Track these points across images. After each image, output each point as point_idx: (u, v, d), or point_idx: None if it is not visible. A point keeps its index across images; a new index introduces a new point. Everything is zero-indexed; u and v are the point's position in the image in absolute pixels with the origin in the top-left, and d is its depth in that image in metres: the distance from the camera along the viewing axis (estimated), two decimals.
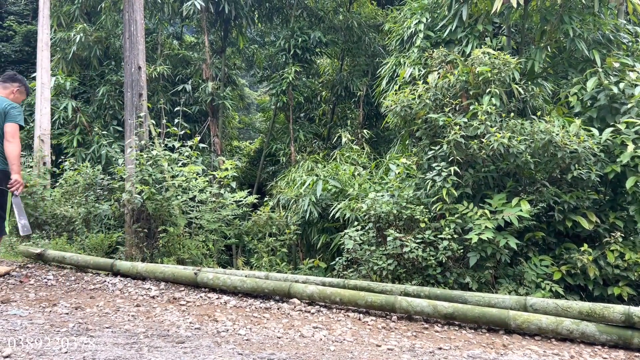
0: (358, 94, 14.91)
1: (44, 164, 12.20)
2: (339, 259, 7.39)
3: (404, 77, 8.81)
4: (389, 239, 6.64)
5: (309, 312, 4.32)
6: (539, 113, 7.09)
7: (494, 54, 7.12)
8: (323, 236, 9.36)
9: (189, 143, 8.00)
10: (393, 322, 4.11)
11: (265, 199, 10.08)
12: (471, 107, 6.88)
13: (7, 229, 5.14)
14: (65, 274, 5.49)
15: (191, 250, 7.81)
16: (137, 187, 7.46)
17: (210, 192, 8.00)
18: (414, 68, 8.48)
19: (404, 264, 6.65)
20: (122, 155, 10.13)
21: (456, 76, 7.26)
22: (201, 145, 8.61)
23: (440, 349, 3.44)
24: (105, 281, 5.23)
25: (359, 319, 4.18)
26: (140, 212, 7.76)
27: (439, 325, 4.04)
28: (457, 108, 7.18)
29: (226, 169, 8.28)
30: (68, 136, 14.99)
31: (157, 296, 4.74)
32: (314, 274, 8.51)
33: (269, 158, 16.99)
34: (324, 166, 12.42)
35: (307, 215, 9.13)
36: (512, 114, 6.85)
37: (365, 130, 13.49)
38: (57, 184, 10.55)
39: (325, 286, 4.71)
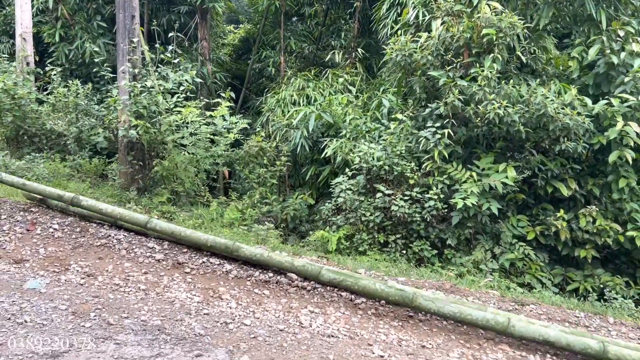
0: (355, 4, 14.29)
1: (27, 64, 11.83)
2: (328, 203, 7.73)
3: (406, 18, 8.55)
4: (378, 194, 6.95)
5: (305, 289, 4.71)
6: (537, 80, 7.11)
7: (501, 12, 6.96)
8: (312, 168, 9.61)
9: (186, 77, 7.86)
10: (382, 306, 4.54)
11: (257, 129, 10.11)
12: (472, 70, 6.87)
13: None
14: (70, 223, 5.72)
15: (185, 183, 8.03)
16: (131, 121, 7.46)
17: (207, 132, 8.05)
18: (418, 10, 8.22)
19: (390, 217, 7.04)
20: (104, 54, 9.84)
21: (460, 32, 7.13)
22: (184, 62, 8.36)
23: (423, 347, 3.90)
24: (109, 235, 5.49)
25: (351, 300, 4.59)
26: (134, 143, 7.83)
27: (422, 314, 4.48)
28: (459, 66, 7.14)
29: (222, 116, 8.28)
30: (49, 28, 14.29)
31: (162, 260, 5.05)
32: (302, 208, 8.88)
33: (258, 64, 16.56)
34: (316, 85, 12.32)
35: (299, 148, 9.29)
36: (511, 80, 6.88)
37: (359, 50, 13.17)
38: (46, 93, 10.35)
39: (322, 264, 5.09)
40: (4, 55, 11.43)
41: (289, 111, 12.03)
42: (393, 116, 7.74)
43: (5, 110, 9.21)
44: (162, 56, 8.24)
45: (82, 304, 3.93)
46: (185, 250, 5.34)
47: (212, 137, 8.35)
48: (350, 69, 13.00)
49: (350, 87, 11.08)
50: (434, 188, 6.88)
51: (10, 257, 4.81)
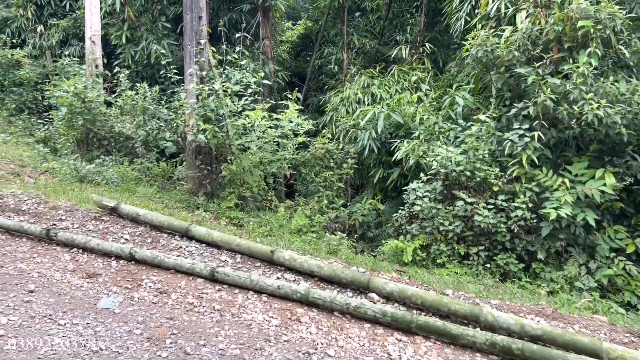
0: None
1: (96, 66, 12.03)
2: (401, 210, 7.28)
3: (486, 10, 7.93)
4: (459, 202, 6.44)
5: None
6: None
7: (597, 1, 6.28)
8: (380, 170, 9.17)
9: (253, 79, 7.61)
10: None
11: (324, 130, 9.76)
12: (566, 67, 6.23)
13: None
14: (141, 233, 5.58)
15: (252, 187, 7.80)
16: (200, 125, 7.28)
17: (274, 136, 7.79)
18: (500, 2, 7.58)
19: (472, 227, 6.52)
20: (169, 55, 9.65)
21: (550, 24, 6.49)
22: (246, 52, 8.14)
23: None
24: (181, 247, 5.31)
25: None
26: (201, 147, 7.66)
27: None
28: (549, 62, 6.51)
29: (290, 121, 8.00)
30: (116, 30, 14.54)
31: None
32: (370, 214, 8.48)
33: (318, 61, 16.22)
34: (381, 83, 11.85)
35: (367, 150, 8.87)
36: (610, 77, 6.18)
37: (427, 45, 12.55)
38: (114, 95, 10.43)
39: (406, 284, 4.67)
40: (75, 59, 11.65)
41: (353, 110, 11.63)
42: (475, 117, 7.17)
43: (76, 114, 9.30)
44: (228, 57, 8.03)
45: (157, 327, 3.71)
46: (258, 264, 5.06)
47: (279, 139, 8.09)
48: (418, 65, 12.43)
49: (421, 85, 10.52)
50: (521, 196, 6.30)
51: (83, 270, 4.69)
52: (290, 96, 8.69)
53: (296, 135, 8.65)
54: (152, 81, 14.30)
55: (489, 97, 9.06)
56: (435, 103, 9.71)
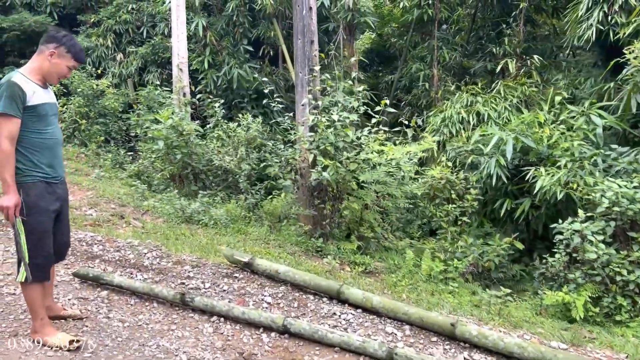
0: (521, 5, 12.54)
1: (184, 94, 11.64)
2: (557, 253, 6.24)
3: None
4: None
5: None
6: None
7: None
8: (507, 201, 8.14)
9: (376, 107, 6.85)
10: None
11: (442, 159, 8.85)
12: None
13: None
14: (284, 294, 4.84)
15: (374, 227, 7.01)
16: (321, 161, 6.55)
17: (402, 169, 6.98)
18: None
19: None
20: (252, 80, 8.91)
21: None
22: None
23: None
24: (334, 314, 4.53)
25: None
26: (320, 184, 6.94)
27: None
28: None
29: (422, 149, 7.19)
30: (196, 55, 14.21)
31: None
32: (507, 253, 7.47)
33: (390, 76, 15.35)
34: (486, 101, 10.88)
35: (494, 180, 7.88)
36: None
37: (536, 57, 11.41)
38: (210, 126, 9.96)
39: None
40: (166, 88, 11.30)
41: (457, 131, 10.72)
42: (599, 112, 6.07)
43: (172, 147, 8.82)
44: (342, 84, 7.31)
45: None
46: (434, 338, 4.21)
47: (403, 171, 7.27)
48: (524, 79, 11.36)
49: (542, 103, 9.47)
50: None
51: (234, 347, 3.98)
52: (404, 121, 7.88)
53: (411, 162, 7.85)
54: (232, 107, 13.87)
55: (623, 116, 8.00)
56: (555, 122, 8.60)
